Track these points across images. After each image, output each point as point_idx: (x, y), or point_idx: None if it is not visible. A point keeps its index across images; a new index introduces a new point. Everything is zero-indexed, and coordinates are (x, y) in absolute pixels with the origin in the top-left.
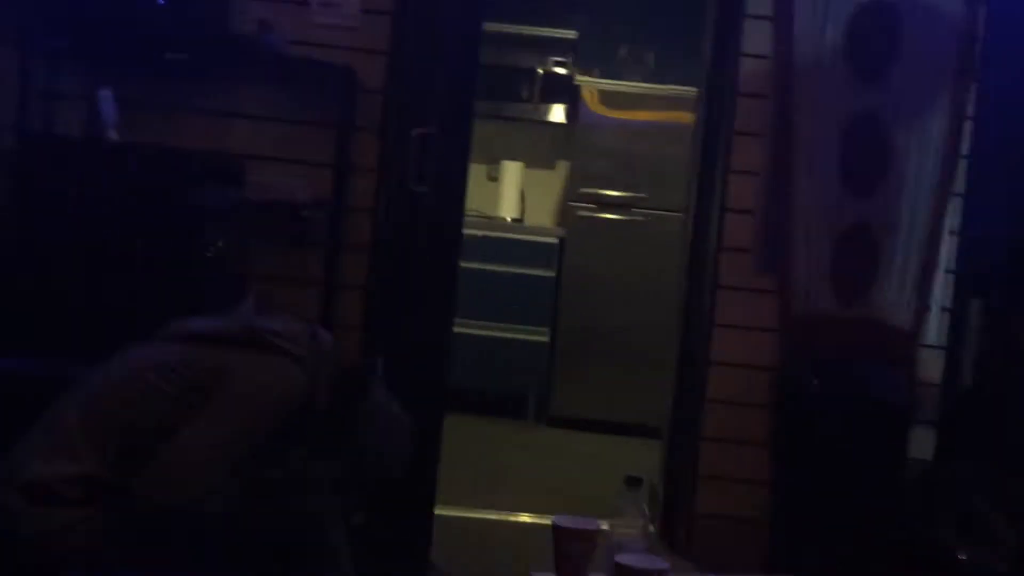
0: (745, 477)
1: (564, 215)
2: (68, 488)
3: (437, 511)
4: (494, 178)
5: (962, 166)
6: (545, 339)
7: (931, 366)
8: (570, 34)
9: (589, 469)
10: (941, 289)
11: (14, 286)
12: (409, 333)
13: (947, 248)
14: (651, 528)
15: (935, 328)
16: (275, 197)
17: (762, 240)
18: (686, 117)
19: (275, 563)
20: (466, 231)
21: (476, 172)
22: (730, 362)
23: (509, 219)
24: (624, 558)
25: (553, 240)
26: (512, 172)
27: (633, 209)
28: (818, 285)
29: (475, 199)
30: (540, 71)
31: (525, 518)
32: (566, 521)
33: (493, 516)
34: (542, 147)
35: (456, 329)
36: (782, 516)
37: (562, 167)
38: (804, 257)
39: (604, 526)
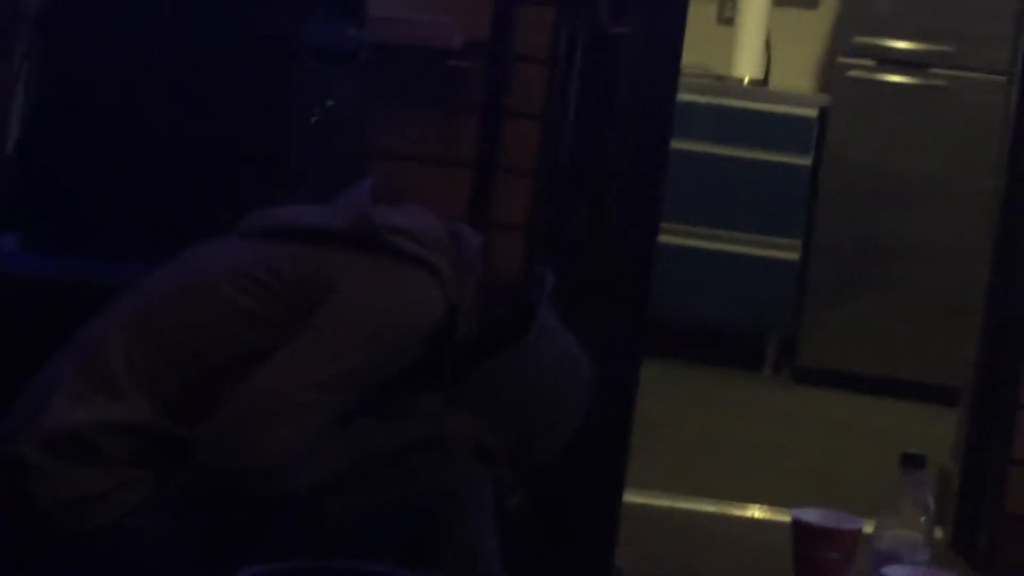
0: None
1: (828, 76)
2: (107, 439)
3: (627, 497)
4: (728, 19)
5: None
6: (794, 257)
7: None
8: None
9: (849, 443)
10: None
11: (45, 156)
12: (595, 239)
13: None
14: (938, 532)
15: None
16: (410, 39)
17: None
18: None
19: (389, 555)
20: (683, 96)
21: (700, 9)
22: None
23: (747, 80)
24: (895, 572)
25: (810, 113)
26: (754, 11)
27: (931, 69)
28: None
29: (698, 49)
30: None
31: (755, 512)
32: (812, 516)
33: (707, 507)
34: None
35: (663, 238)
36: None
37: (828, 5)
38: None
39: (868, 527)
